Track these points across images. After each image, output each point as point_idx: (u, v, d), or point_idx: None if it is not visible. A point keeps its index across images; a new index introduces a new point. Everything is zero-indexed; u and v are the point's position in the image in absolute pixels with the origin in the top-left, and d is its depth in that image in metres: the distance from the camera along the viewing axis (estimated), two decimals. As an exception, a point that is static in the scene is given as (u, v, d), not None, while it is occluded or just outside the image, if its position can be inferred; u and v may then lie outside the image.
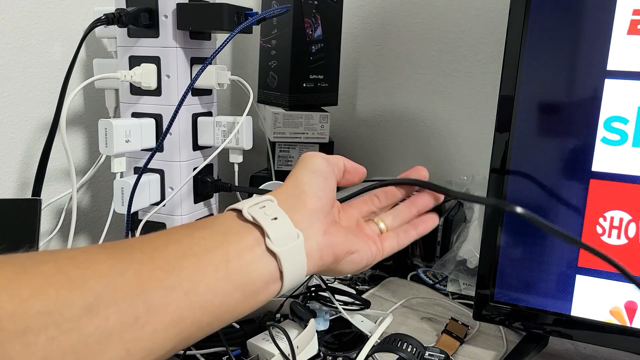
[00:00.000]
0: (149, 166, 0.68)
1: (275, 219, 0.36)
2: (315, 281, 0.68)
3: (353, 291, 0.70)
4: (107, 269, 0.28)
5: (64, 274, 0.27)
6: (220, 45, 0.61)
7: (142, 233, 0.68)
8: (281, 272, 0.35)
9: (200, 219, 0.70)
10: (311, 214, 0.38)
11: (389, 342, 0.53)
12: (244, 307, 0.34)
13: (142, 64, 0.65)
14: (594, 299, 0.56)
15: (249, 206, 0.36)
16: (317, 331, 0.60)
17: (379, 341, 0.58)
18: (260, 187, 0.65)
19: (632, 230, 0.54)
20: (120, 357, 0.27)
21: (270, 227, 0.35)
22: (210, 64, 0.62)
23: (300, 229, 0.36)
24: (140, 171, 0.63)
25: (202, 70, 0.61)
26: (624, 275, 0.40)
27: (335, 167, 0.42)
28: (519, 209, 0.41)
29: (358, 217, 0.45)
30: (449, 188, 0.46)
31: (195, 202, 0.71)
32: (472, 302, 0.63)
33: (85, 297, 0.26)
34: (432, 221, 0.46)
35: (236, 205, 0.37)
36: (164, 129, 0.63)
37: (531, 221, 0.41)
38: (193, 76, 0.65)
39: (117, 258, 0.30)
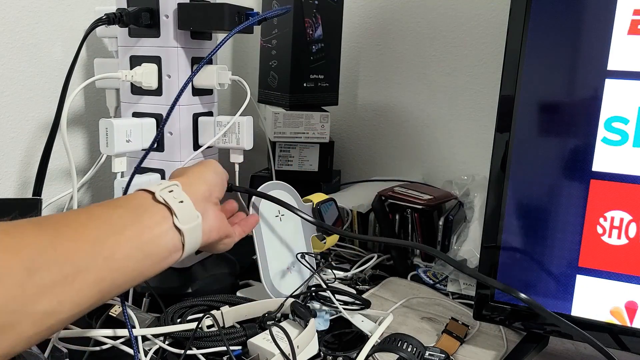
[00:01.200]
0: (150, 166, 0.68)
1: (182, 202, 0.46)
2: (315, 281, 0.68)
3: (353, 291, 0.70)
4: (39, 241, 0.35)
5: (1, 242, 0.34)
6: (218, 44, 0.61)
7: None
8: (183, 245, 0.45)
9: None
10: (207, 200, 0.50)
11: (389, 342, 0.53)
12: (151, 271, 0.43)
13: (143, 64, 0.65)
14: (595, 299, 0.56)
15: (160, 189, 0.45)
16: (317, 331, 0.60)
17: (379, 341, 0.58)
18: (258, 190, 0.66)
19: (632, 230, 0.54)
20: (53, 307, 0.35)
21: (177, 209, 0.45)
22: (210, 63, 0.62)
23: (198, 211, 0.47)
24: (134, 170, 0.62)
25: (199, 67, 0.61)
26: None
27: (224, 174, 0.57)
28: (522, 296, 0.52)
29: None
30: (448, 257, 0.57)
31: (196, 201, 0.71)
32: (472, 302, 0.63)
33: (23, 262, 0.33)
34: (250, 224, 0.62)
35: (147, 187, 0.46)
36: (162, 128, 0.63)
37: (534, 309, 0.52)
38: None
39: (48, 233, 0.36)
